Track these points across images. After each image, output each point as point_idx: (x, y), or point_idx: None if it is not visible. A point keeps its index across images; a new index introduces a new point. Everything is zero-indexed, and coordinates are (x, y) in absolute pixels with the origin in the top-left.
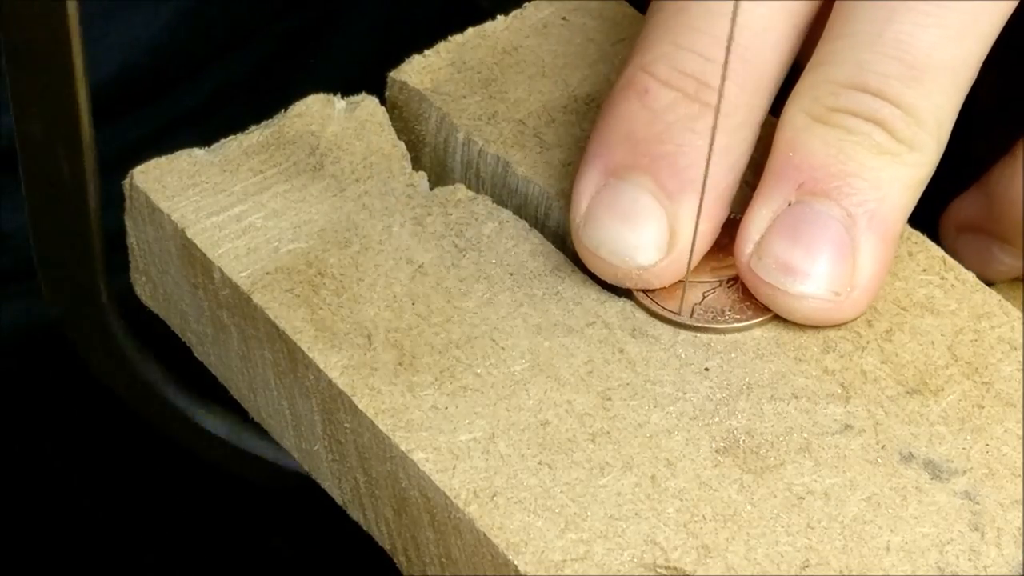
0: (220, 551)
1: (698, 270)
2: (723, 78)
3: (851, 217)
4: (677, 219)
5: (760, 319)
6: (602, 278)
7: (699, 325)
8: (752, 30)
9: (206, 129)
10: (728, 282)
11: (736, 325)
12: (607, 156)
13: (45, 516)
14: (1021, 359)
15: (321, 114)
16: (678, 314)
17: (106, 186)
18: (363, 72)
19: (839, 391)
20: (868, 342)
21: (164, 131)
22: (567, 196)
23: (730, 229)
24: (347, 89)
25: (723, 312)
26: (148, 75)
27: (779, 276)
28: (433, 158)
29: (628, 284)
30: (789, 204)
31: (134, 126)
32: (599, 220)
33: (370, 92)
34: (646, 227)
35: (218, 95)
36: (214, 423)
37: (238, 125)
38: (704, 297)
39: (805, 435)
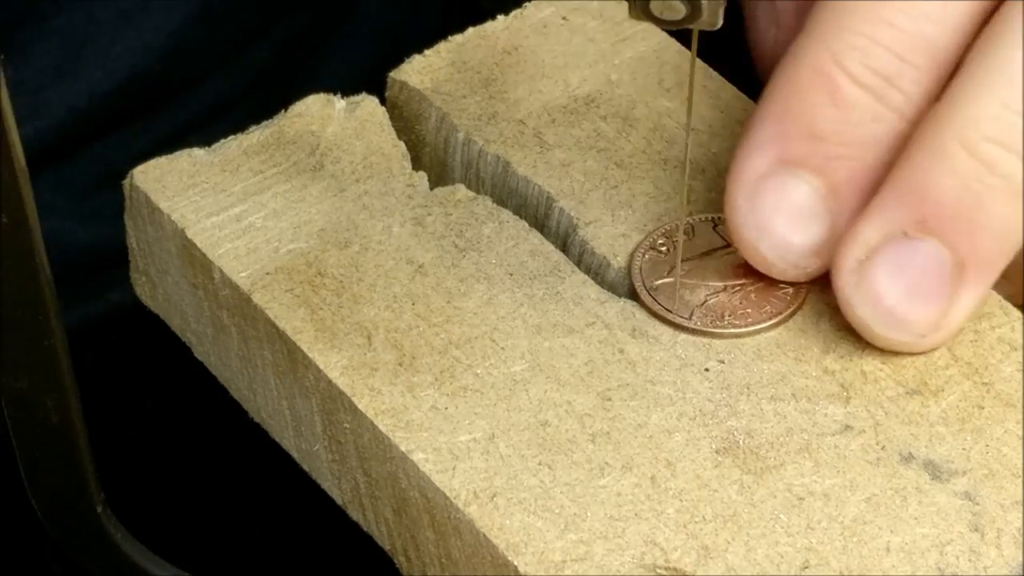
0: (220, 551)
1: (704, 272)
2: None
3: (962, 266)
4: (839, 223)
5: (760, 326)
6: (750, 263)
7: (697, 328)
8: (945, 27)
9: (213, 133)
10: (733, 287)
11: (734, 331)
12: (783, 145)
13: (44, 534)
14: (1021, 359)
15: (321, 114)
16: (678, 315)
17: (117, 195)
18: (368, 72)
19: (839, 391)
20: (868, 342)
21: (173, 137)
22: (567, 195)
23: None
24: (352, 89)
25: (723, 316)
26: (159, 80)
27: (872, 313)
28: (433, 158)
29: (770, 274)
30: (905, 233)
31: (142, 133)
32: (765, 214)
33: (373, 93)
34: (812, 231)
35: (224, 100)
36: None
37: (245, 125)
38: (706, 300)
39: (805, 435)
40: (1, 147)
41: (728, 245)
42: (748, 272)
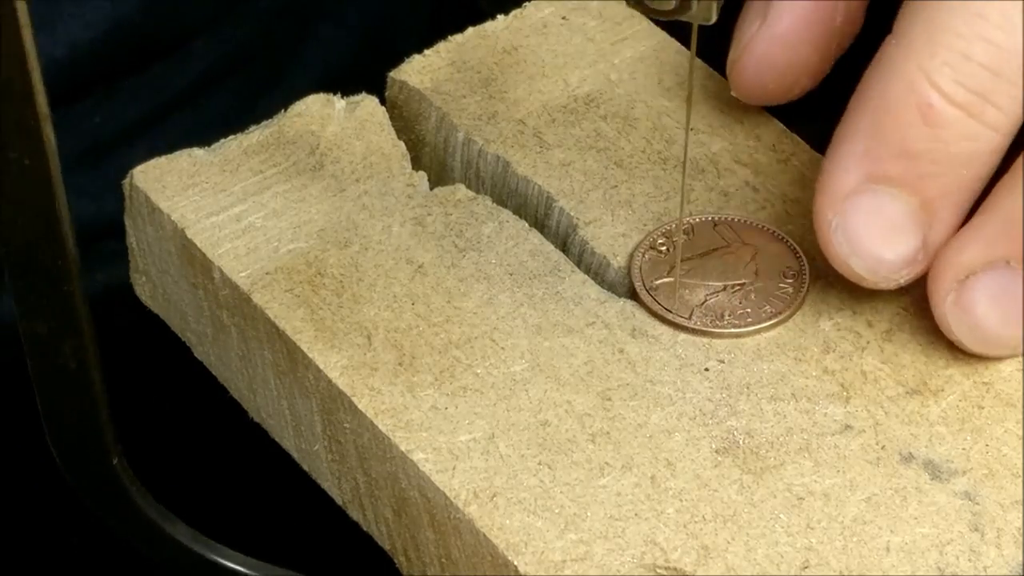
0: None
1: (704, 272)
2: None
3: None
4: (932, 235)
5: (760, 326)
6: (842, 274)
7: (697, 328)
8: None
9: (199, 112)
10: (733, 287)
11: (734, 331)
12: (873, 163)
13: (44, 514)
14: (1021, 359)
15: (321, 114)
16: (678, 315)
17: (101, 171)
18: (354, 49)
19: (839, 391)
20: (868, 342)
21: (157, 114)
22: (567, 195)
23: (739, 233)
24: (336, 67)
25: (723, 316)
26: (141, 35)
27: (969, 335)
28: (433, 158)
29: (862, 285)
30: (1008, 262)
31: (126, 106)
32: (855, 230)
33: (362, 71)
34: (905, 245)
35: (209, 74)
36: (230, 565)
37: (230, 105)
38: (706, 299)
39: (805, 435)
40: (22, 89)
41: (728, 245)
42: (748, 272)
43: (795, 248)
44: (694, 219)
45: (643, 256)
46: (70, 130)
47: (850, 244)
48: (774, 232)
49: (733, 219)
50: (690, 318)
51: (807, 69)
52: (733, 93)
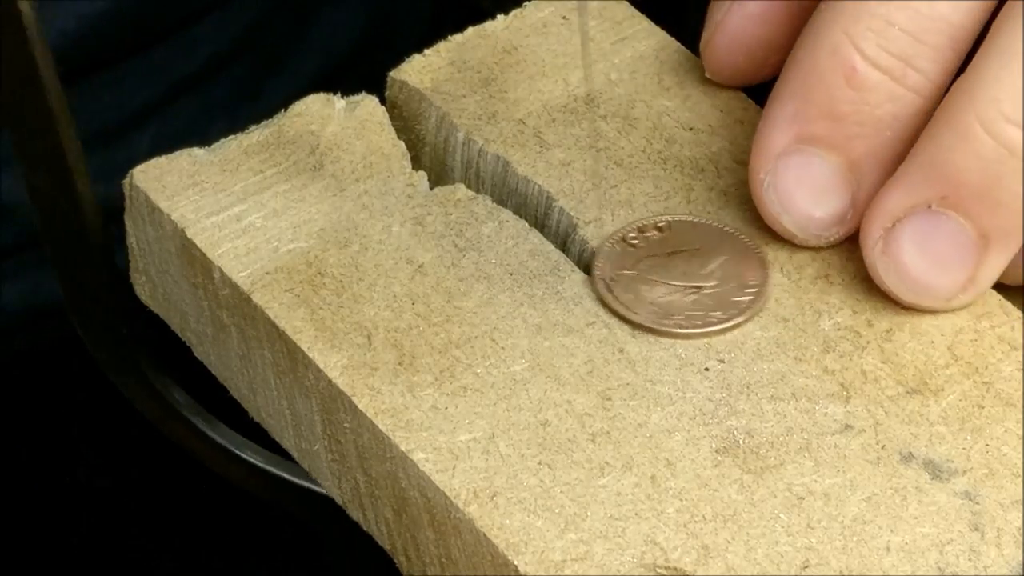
0: (220, 549)
1: (667, 271)
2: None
3: (986, 238)
4: (861, 194)
5: (704, 330)
6: (776, 232)
7: (642, 324)
8: (960, 7)
9: (205, 99)
10: (689, 289)
11: (677, 331)
12: (801, 124)
13: (48, 504)
14: (1021, 359)
15: (321, 114)
16: (629, 308)
17: (108, 157)
18: (357, 37)
19: (839, 391)
20: (868, 342)
21: (164, 97)
22: (567, 195)
23: (716, 239)
24: (341, 54)
25: (669, 316)
26: (143, 15)
27: (898, 281)
28: (433, 158)
29: (795, 242)
30: (930, 206)
31: (134, 92)
32: (786, 189)
33: (362, 70)
34: (833, 204)
35: (216, 56)
36: (221, 441)
37: (236, 90)
38: (659, 298)
39: (805, 435)
40: None
41: (699, 248)
42: (709, 277)
43: (765, 262)
44: (674, 217)
45: (612, 246)
46: (79, 112)
47: (781, 202)
48: (750, 243)
49: (715, 224)
50: (639, 313)
51: (778, 46)
52: (707, 74)
